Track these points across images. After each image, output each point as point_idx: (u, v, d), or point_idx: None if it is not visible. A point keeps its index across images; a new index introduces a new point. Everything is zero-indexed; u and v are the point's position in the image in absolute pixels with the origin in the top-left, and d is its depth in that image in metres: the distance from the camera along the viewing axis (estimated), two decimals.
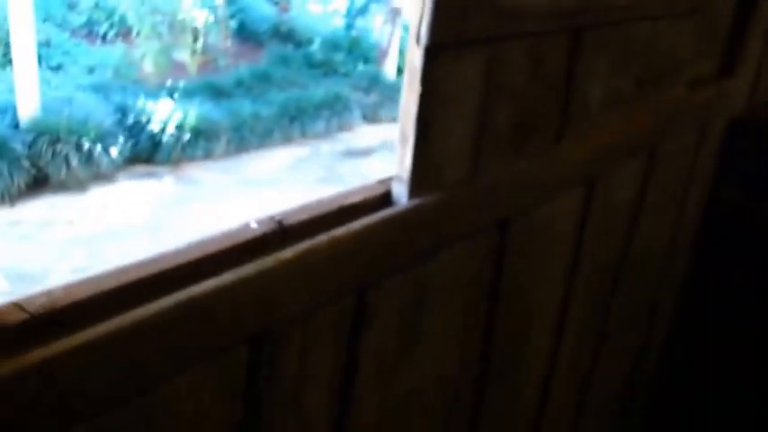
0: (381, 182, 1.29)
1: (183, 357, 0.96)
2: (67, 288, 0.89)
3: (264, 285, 1.02)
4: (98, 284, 0.90)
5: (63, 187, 7.73)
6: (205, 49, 11.07)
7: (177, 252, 0.99)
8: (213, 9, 10.93)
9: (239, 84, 10.56)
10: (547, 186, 1.68)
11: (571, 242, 1.92)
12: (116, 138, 8.57)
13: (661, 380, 3.18)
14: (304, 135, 9.92)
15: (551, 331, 2.03)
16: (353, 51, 12.23)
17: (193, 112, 9.07)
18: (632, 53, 1.84)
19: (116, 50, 10.91)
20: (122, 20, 10.92)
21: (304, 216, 1.13)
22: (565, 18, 1.48)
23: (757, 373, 3.05)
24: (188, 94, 9.76)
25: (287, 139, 9.66)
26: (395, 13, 11.72)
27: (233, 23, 11.96)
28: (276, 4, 13.51)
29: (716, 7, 2.31)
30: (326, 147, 9.64)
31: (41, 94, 8.48)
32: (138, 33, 10.41)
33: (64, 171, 7.88)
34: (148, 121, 8.91)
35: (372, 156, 9.46)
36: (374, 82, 11.44)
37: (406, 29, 12.42)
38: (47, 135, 7.92)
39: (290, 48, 12.21)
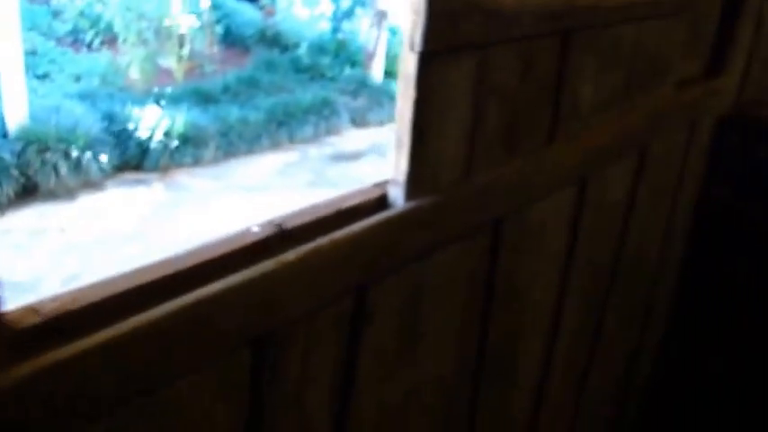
0: (378, 185, 1.32)
1: (189, 359, 0.98)
2: (77, 292, 0.91)
3: (267, 288, 1.05)
4: (107, 288, 0.93)
5: (52, 195, 7.72)
6: (191, 55, 11.06)
7: (182, 256, 1.01)
8: (199, 15, 10.92)
9: (226, 89, 10.56)
10: (539, 186, 1.71)
11: (564, 241, 1.95)
12: (104, 145, 8.56)
13: (656, 378, 3.21)
14: (292, 140, 9.92)
15: (546, 331, 2.05)
16: (340, 55, 12.24)
17: (181, 119, 9.06)
18: (621, 54, 1.87)
19: (102, 58, 10.91)
20: (108, 27, 10.91)
21: (304, 219, 1.16)
22: (554, 21, 1.51)
23: (750, 371, 3.09)
24: (175, 100, 9.75)
25: (275, 145, 9.66)
26: (381, 16, 11.73)
27: (218, 29, 11.95)
28: (261, 8, 13.51)
29: (703, 6, 2.34)
30: (315, 151, 9.64)
31: (29, 103, 8.47)
32: (124, 40, 10.39)
33: (53, 179, 7.87)
34: (136, 129, 8.90)
35: (361, 159, 9.48)
36: (361, 85, 11.45)
37: (392, 32, 12.45)
38: (35, 144, 7.91)
39: (276, 52, 12.20)
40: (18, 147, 7.88)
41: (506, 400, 1.99)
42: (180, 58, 10.82)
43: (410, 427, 1.56)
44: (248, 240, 1.07)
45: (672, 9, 2.06)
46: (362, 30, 12.62)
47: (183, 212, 7.56)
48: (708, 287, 3.09)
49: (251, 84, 10.78)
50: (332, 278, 1.17)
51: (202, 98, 10.06)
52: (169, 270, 0.98)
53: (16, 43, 8.35)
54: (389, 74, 12.06)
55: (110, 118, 9.00)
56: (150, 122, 8.93)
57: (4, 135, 8.04)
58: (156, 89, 9.99)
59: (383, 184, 1.31)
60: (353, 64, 12.01)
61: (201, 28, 11.17)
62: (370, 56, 11.89)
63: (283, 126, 9.86)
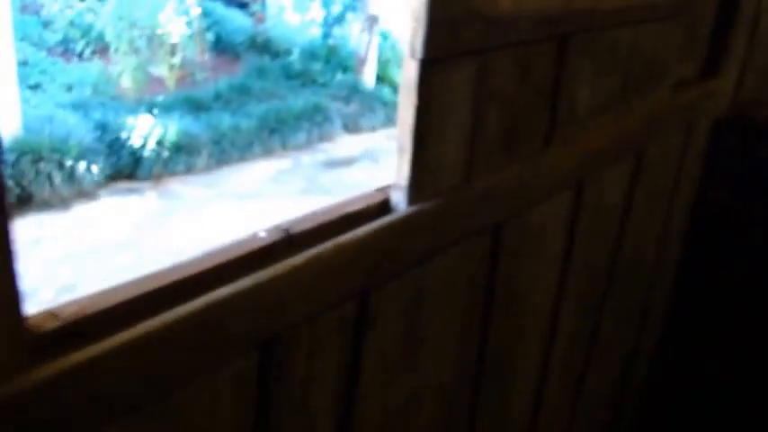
0: (380, 190, 1.34)
1: (200, 361, 1.01)
2: (94, 297, 0.93)
3: (274, 292, 1.07)
4: (122, 293, 0.95)
5: (47, 205, 7.73)
6: (182, 63, 11.06)
7: (193, 261, 1.03)
8: (189, 22, 10.93)
9: (218, 97, 10.57)
10: (538, 190, 1.73)
11: (562, 245, 1.97)
12: (97, 155, 8.57)
13: (652, 380, 3.23)
14: (285, 147, 9.93)
15: (544, 334, 2.08)
16: (331, 61, 12.25)
17: (173, 127, 9.07)
18: (617, 57, 1.90)
19: (93, 67, 10.91)
20: (99, 37, 10.91)
21: (309, 224, 1.18)
22: (551, 26, 1.53)
23: (747, 373, 3.11)
24: (167, 108, 9.75)
25: (268, 152, 9.67)
26: (372, 21, 11.76)
27: (209, 36, 11.96)
28: (251, 15, 13.52)
29: (698, 9, 2.37)
30: (307, 158, 9.66)
31: (22, 114, 8.48)
32: (116, 50, 10.40)
33: (47, 189, 7.87)
34: (129, 138, 8.90)
35: (354, 165, 9.50)
36: (353, 91, 11.47)
37: (383, 37, 12.48)
38: (29, 154, 7.92)
39: (267, 59, 12.21)
40: (12, 157, 7.88)
41: (505, 404, 2.01)
42: (171, 67, 10.82)
43: (411, 430, 1.58)
44: (256, 245, 1.09)
45: (668, 12, 2.09)
46: (353, 35, 12.64)
47: (176, 221, 7.56)
48: (704, 289, 3.11)
49: (242, 91, 10.79)
50: (336, 282, 1.19)
51: (194, 106, 10.06)
52: (181, 275, 1.00)
53: (9, 54, 8.35)
54: (381, 79, 12.09)
55: (102, 127, 9.01)
56: (143, 131, 8.93)
57: None
58: (147, 98, 10.00)
59: (385, 189, 1.33)
60: (345, 69, 12.02)
61: (192, 36, 11.17)
62: (362, 61, 11.91)
63: (276, 133, 9.87)
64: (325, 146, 10.25)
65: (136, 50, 10.50)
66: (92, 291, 0.96)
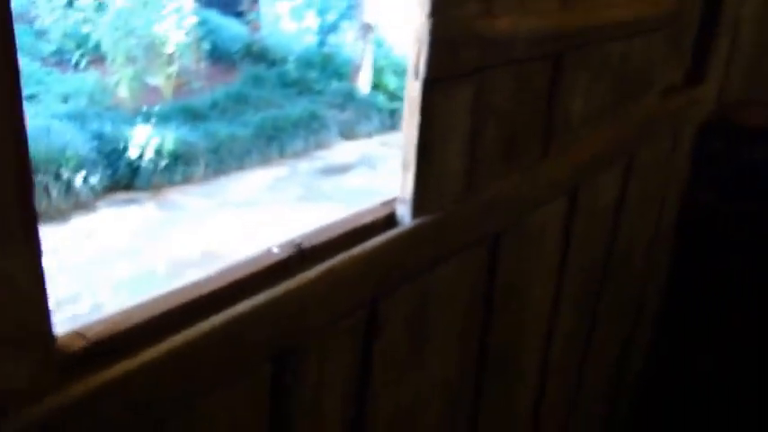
0: (385, 204, 1.40)
1: (221, 373, 1.06)
2: (119, 316, 0.98)
3: (291, 304, 1.12)
4: (146, 311, 1.00)
5: (45, 217, 7.76)
6: (178, 73, 11.09)
7: (211, 278, 1.09)
8: (186, 32, 10.97)
9: (214, 106, 10.59)
10: (535, 199, 1.80)
11: (559, 247, 2.04)
12: (95, 166, 8.59)
13: (646, 375, 3.30)
14: (282, 155, 9.98)
15: (543, 332, 2.14)
16: (327, 68, 12.30)
17: (170, 137, 9.09)
18: (609, 69, 1.96)
19: (89, 78, 10.92)
20: (95, 47, 10.93)
21: (320, 239, 1.23)
22: (546, 44, 1.59)
23: (738, 368, 3.17)
24: (164, 118, 9.78)
25: (265, 160, 9.72)
26: (366, 29, 11.82)
27: (205, 45, 11.99)
28: (247, 23, 13.56)
29: (684, 19, 2.44)
30: (305, 165, 9.71)
31: None
32: (112, 60, 10.43)
33: (45, 201, 7.90)
34: (126, 148, 8.93)
35: (351, 172, 9.55)
36: (349, 98, 11.52)
37: (378, 44, 12.54)
38: None
39: (262, 67, 12.25)
40: None
41: (507, 400, 2.07)
42: (168, 76, 10.85)
43: (418, 428, 1.64)
44: (271, 261, 1.14)
45: (655, 24, 2.16)
46: (348, 43, 12.70)
47: (175, 231, 7.60)
48: (695, 287, 3.18)
49: (239, 99, 10.83)
50: (347, 293, 1.25)
51: (191, 115, 10.09)
52: (201, 292, 1.05)
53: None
54: (376, 86, 12.15)
55: (99, 138, 9.03)
56: (140, 141, 8.96)
57: None
58: (144, 107, 10.02)
59: (391, 203, 1.39)
60: (340, 77, 12.08)
61: (189, 45, 11.21)
62: (357, 69, 11.97)
63: (273, 141, 9.92)
64: (322, 153, 10.30)
65: (132, 60, 10.53)
66: (115, 309, 1.01)
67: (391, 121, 11.69)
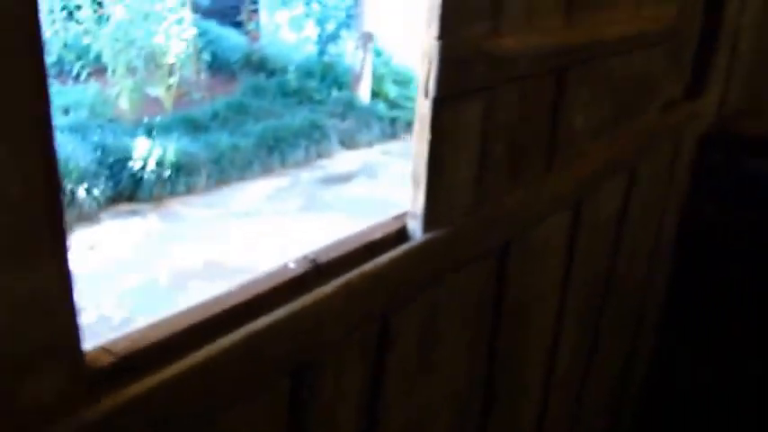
0: (396, 218, 1.43)
1: (242, 387, 1.09)
2: (144, 332, 1.01)
3: (309, 319, 1.16)
4: (169, 327, 1.03)
5: None
6: (179, 83, 11.11)
7: (231, 294, 1.12)
8: (186, 42, 11.00)
9: (215, 116, 10.60)
10: (540, 211, 1.83)
11: (563, 259, 2.07)
12: (97, 177, 8.60)
13: (648, 386, 3.32)
14: (283, 164, 9.99)
15: (547, 347, 2.18)
16: (327, 78, 12.30)
17: (172, 148, 9.11)
18: (610, 84, 2.00)
19: (90, 89, 10.93)
20: (95, 58, 10.95)
21: (334, 254, 1.27)
22: (550, 60, 1.63)
23: (738, 380, 3.20)
24: (165, 129, 9.79)
25: (266, 170, 9.73)
26: (366, 38, 11.86)
27: (205, 55, 12.02)
28: (246, 33, 13.59)
29: (685, 33, 2.48)
30: (306, 175, 9.72)
31: None
32: (113, 71, 10.45)
33: None
34: (128, 159, 8.94)
35: (352, 181, 9.57)
36: (349, 107, 11.53)
37: (377, 53, 12.58)
38: None
39: (262, 77, 12.26)
40: None
41: (512, 415, 2.10)
42: (168, 87, 10.88)
43: None
44: (288, 276, 1.18)
45: (656, 39, 2.19)
46: (348, 52, 12.73)
47: (178, 242, 7.62)
48: (695, 298, 3.21)
49: (240, 110, 10.84)
50: (361, 307, 1.28)
51: (192, 126, 10.10)
52: (221, 307, 1.08)
53: None
54: (376, 94, 12.18)
55: (101, 149, 9.03)
56: (142, 152, 8.98)
57: None
58: (145, 119, 10.04)
59: (402, 217, 1.42)
60: (340, 86, 12.09)
61: (188, 55, 11.24)
62: (357, 78, 12.00)
63: (274, 151, 9.93)
64: (323, 162, 10.32)
65: (133, 71, 10.56)
66: (140, 325, 1.04)
67: (392, 129, 11.71)
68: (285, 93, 11.84)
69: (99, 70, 11.07)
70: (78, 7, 10.47)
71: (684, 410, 3.34)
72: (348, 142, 11.05)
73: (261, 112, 10.93)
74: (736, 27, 2.85)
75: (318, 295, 1.16)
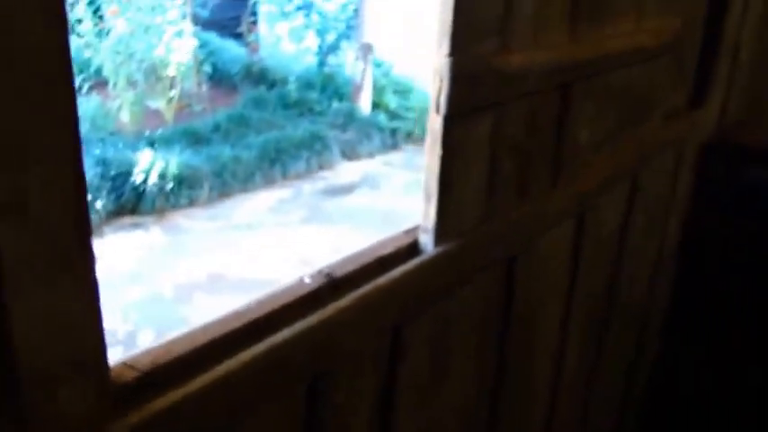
0: (407, 232, 1.46)
1: (262, 398, 1.12)
2: (165, 346, 1.04)
3: (324, 332, 1.18)
4: (190, 342, 1.05)
5: None
6: (180, 96, 11.13)
7: (250, 308, 1.14)
8: (187, 55, 11.03)
9: (217, 128, 10.61)
10: (546, 223, 1.86)
11: (568, 267, 2.10)
12: (100, 191, 8.62)
13: (652, 389, 3.35)
14: (285, 176, 9.99)
15: (554, 352, 2.20)
16: (327, 89, 12.32)
17: (174, 161, 9.12)
18: (613, 97, 2.03)
19: (91, 103, 10.95)
20: (96, 71, 10.97)
21: (348, 268, 1.30)
22: (556, 75, 1.66)
23: (740, 385, 3.23)
24: (167, 142, 9.79)
25: (268, 182, 9.73)
26: (366, 49, 11.89)
27: (205, 67, 12.04)
28: (246, 45, 13.62)
29: (686, 44, 2.51)
30: (308, 186, 9.74)
31: None
32: (114, 84, 10.48)
33: None
34: (130, 172, 8.96)
35: (354, 192, 9.59)
36: (350, 119, 11.54)
37: (377, 64, 12.61)
38: None
39: (263, 88, 12.27)
40: None
41: (522, 416, 2.13)
42: (169, 100, 10.90)
43: None
44: (304, 290, 1.20)
45: (659, 51, 2.22)
46: (348, 63, 12.75)
47: (181, 255, 7.64)
48: (696, 306, 3.23)
49: (241, 122, 10.85)
50: (375, 320, 1.31)
51: (194, 138, 10.11)
52: (241, 322, 1.11)
53: None
54: (377, 105, 12.20)
55: (104, 163, 9.05)
56: (144, 165, 8.99)
57: None
58: (147, 131, 10.05)
59: (413, 231, 1.45)
60: (341, 97, 12.10)
61: (189, 68, 11.26)
62: (357, 89, 12.02)
63: (276, 163, 9.94)
64: (325, 173, 10.32)
65: (134, 84, 10.59)
66: (162, 340, 1.06)
67: (392, 140, 11.72)
68: (286, 104, 11.84)
69: (100, 83, 11.09)
70: (79, 21, 10.49)
71: (687, 414, 3.37)
72: (349, 153, 11.06)
73: (262, 123, 10.94)
74: (736, 37, 2.88)
75: (334, 309, 1.19)
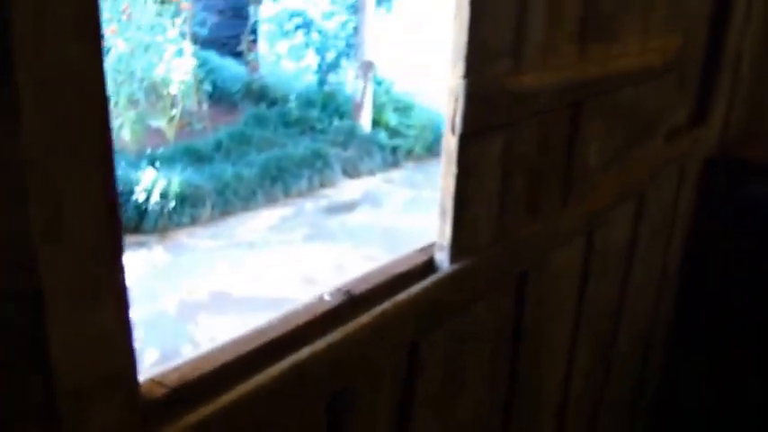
0: (423, 250, 1.48)
1: (286, 413, 1.14)
2: (193, 363, 1.06)
3: (345, 348, 1.21)
4: (216, 359, 1.08)
5: None
6: (181, 114, 11.16)
7: (272, 326, 1.17)
8: (186, 74, 11.07)
9: (218, 147, 10.64)
10: (557, 241, 1.89)
11: (577, 284, 2.13)
12: None
13: (659, 401, 3.38)
14: (287, 194, 10.02)
15: (563, 366, 2.23)
16: (328, 107, 12.36)
17: (176, 179, 9.14)
18: (621, 114, 2.07)
19: None
20: None
21: (367, 286, 1.32)
22: (567, 94, 1.69)
23: (742, 399, 3.25)
24: (168, 160, 9.82)
25: (270, 200, 9.76)
26: (367, 67, 11.94)
27: (205, 86, 12.07)
28: (246, 64, 13.67)
29: (687, 60, 2.54)
30: (310, 204, 9.76)
31: None
32: (115, 103, 10.51)
33: None
34: (132, 191, 8.99)
35: (356, 210, 9.61)
36: (351, 136, 11.58)
37: (377, 82, 12.66)
38: None
39: (263, 107, 12.31)
40: None
41: (533, 430, 2.15)
42: (170, 119, 10.93)
43: None
44: (325, 308, 1.23)
45: (663, 69, 2.26)
46: (349, 81, 12.80)
47: (184, 273, 7.66)
48: (698, 322, 3.26)
49: (242, 140, 10.88)
50: (394, 336, 1.33)
51: (195, 157, 10.14)
52: (264, 339, 1.13)
53: None
54: (377, 123, 12.24)
55: None
56: (146, 184, 9.02)
57: None
58: (148, 150, 10.09)
59: (428, 249, 1.47)
60: (342, 115, 12.13)
61: (190, 86, 11.30)
62: (358, 106, 12.06)
63: (277, 181, 9.96)
64: (327, 191, 10.35)
65: (135, 103, 10.62)
66: (188, 357, 1.09)
67: (393, 158, 11.76)
68: (287, 122, 11.88)
69: None
70: None
71: (689, 426, 3.40)
72: (351, 171, 11.09)
73: (263, 141, 10.97)
74: (738, 53, 2.92)
75: (355, 325, 1.21)
